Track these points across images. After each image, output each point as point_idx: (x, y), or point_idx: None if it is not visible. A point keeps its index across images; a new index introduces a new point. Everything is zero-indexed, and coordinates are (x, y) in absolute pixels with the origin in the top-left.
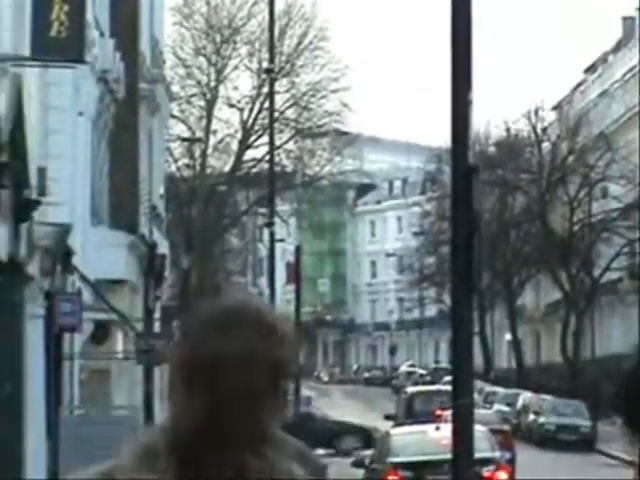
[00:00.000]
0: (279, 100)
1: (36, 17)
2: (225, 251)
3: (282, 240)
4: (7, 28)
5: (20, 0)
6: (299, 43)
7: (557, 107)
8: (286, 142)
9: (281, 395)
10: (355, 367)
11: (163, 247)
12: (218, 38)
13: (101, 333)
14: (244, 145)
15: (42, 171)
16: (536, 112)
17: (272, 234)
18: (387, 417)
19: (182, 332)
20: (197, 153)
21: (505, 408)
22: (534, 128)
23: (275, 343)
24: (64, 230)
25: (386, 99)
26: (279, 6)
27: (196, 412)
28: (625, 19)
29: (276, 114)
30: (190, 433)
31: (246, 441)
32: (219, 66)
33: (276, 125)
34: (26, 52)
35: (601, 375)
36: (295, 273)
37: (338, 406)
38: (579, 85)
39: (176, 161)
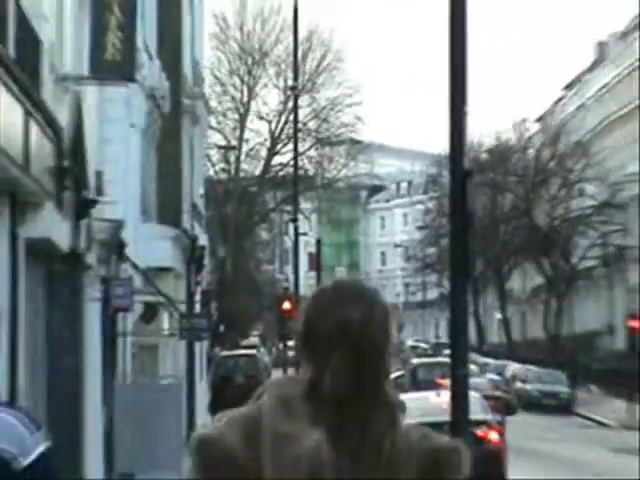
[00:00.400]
0: (302, 113)
1: (94, 42)
2: (255, 243)
3: (305, 234)
4: (68, 52)
5: (79, 27)
6: (319, 65)
7: (540, 119)
8: (308, 149)
9: (389, 355)
10: None
11: (203, 239)
12: (250, 60)
13: (150, 313)
14: (272, 152)
15: (99, 174)
16: (522, 123)
17: (296, 228)
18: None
19: (311, 306)
20: (232, 159)
21: (496, 377)
22: (520, 137)
23: (384, 313)
24: (118, 225)
25: (393, 112)
26: (302, 33)
27: (331, 366)
28: (599, 44)
29: (299, 125)
30: (324, 384)
31: (370, 387)
32: (251, 84)
33: (300, 135)
34: (85, 72)
35: (578, 348)
36: (316, 262)
37: None
38: (559, 100)
39: (214, 166)
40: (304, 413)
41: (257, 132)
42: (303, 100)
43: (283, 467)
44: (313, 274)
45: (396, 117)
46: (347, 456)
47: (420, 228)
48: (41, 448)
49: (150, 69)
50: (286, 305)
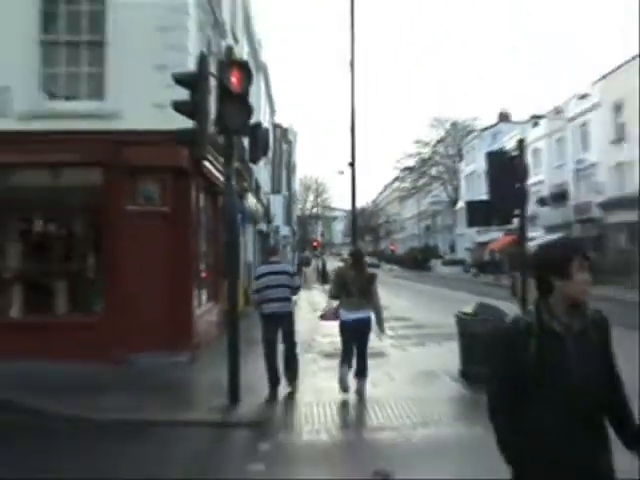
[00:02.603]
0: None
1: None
2: (309, 231)
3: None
4: (264, 183)
5: (266, 179)
6: (323, 191)
7: (373, 201)
8: (313, 216)
9: (366, 264)
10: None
11: (296, 229)
12: (305, 190)
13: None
14: (311, 212)
15: (273, 215)
16: (369, 203)
17: (318, 231)
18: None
19: (352, 252)
20: (303, 212)
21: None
22: (373, 207)
23: (363, 255)
24: (277, 226)
25: (338, 197)
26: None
27: (343, 271)
28: (396, 176)
29: (319, 208)
30: (354, 266)
31: (366, 282)
32: (307, 198)
33: (319, 211)
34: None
35: (379, 254)
36: (322, 234)
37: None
38: (378, 196)
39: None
40: (351, 270)
41: (306, 208)
42: (314, 203)
43: (354, 278)
44: (320, 237)
45: (340, 198)
46: (363, 280)
47: (345, 235)
48: (291, 269)
49: (283, 192)
50: (315, 244)
